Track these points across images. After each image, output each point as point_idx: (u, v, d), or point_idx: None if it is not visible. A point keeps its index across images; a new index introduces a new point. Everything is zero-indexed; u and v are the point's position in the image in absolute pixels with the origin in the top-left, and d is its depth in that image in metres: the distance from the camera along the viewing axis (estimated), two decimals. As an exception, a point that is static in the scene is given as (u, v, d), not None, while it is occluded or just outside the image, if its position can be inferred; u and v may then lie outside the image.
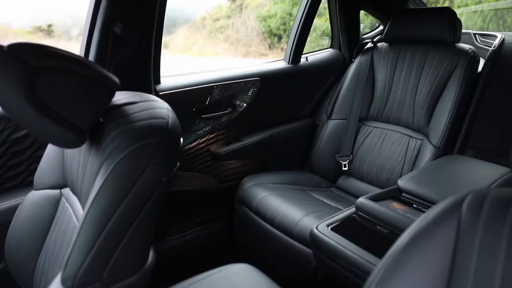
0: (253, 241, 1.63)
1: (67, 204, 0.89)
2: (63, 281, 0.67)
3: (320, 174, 1.88)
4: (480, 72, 1.65)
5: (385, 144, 1.73)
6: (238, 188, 1.73)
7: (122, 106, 0.76)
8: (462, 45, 1.64)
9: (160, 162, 0.69)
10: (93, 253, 0.66)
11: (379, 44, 1.87)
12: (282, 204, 1.52)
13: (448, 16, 1.61)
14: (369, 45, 1.90)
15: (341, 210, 1.53)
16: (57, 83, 0.65)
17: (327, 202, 1.63)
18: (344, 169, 1.82)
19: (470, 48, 1.61)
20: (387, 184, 1.65)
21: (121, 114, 0.73)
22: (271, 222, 1.51)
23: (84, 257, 0.66)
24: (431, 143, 1.58)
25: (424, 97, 1.66)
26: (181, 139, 0.79)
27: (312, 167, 1.90)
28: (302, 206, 1.51)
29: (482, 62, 1.69)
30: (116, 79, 0.73)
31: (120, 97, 0.82)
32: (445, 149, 1.56)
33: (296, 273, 1.41)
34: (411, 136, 1.68)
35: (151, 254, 0.78)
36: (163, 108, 0.78)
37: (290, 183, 1.76)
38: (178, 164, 0.78)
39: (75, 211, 0.84)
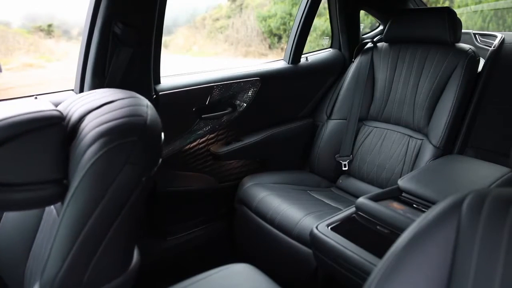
0: (253, 241, 1.63)
1: (52, 206, 0.88)
2: (41, 287, 0.65)
3: (320, 174, 1.88)
4: (480, 72, 1.65)
5: (385, 144, 1.73)
6: (238, 188, 1.72)
7: (100, 107, 0.74)
8: (462, 45, 1.64)
9: (138, 162, 0.67)
10: (71, 257, 0.64)
11: (379, 44, 1.86)
12: (282, 204, 1.52)
13: (448, 16, 1.61)
14: (369, 45, 1.90)
15: (341, 210, 1.53)
16: (5, 157, 0.63)
17: (327, 202, 1.63)
18: (344, 169, 1.82)
19: (470, 48, 1.61)
20: (387, 184, 1.65)
21: (98, 114, 0.71)
22: (271, 222, 1.51)
23: (61, 261, 0.64)
24: (431, 143, 1.58)
25: (424, 97, 1.66)
26: (162, 136, 0.77)
27: (312, 167, 1.90)
28: (302, 206, 1.51)
29: (482, 62, 1.69)
30: (57, 111, 0.71)
31: (101, 95, 0.80)
32: (445, 149, 1.56)
33: (296, 273, 1.41)
34: (411, 136, 1.68)
35: (135, 255, 0.75)
36: (141, 105, 0.75)
37: (290, 183, 1.76)
38: (160, 161, 0.75)
39: (59, 213, 0.83)
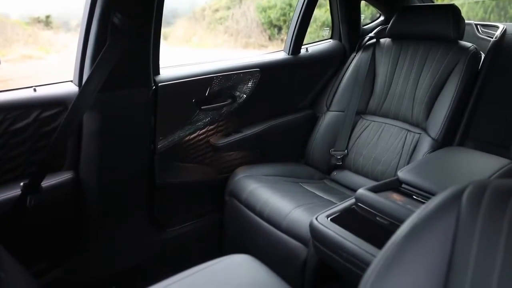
0: (243, 234, 1.61)
1: None
2: None
3: (314, 166, 1.87)
4: (481, 63, 1.65)
5: (383, 137, 1.73)
6: (229, 179, 1.71)
7: None
8: (465, 42, 1.66)
9: None
10: None
11: (381, 40, 1.87)
12: (272, 196, 1.51)
13: (453, 13, 1.62)
14: (372, 40, 1.89)
15: (332, 202, 1.52)
16: None
17: (319, 194, 1.62)
18: (337, 163, 1.80)
19: (472, 45, 1.63)
20: (382, 177, 1.64)
21: None
22: (260, 214, 1.50)
23: None
24: (429, 136, 1.58)
25: (425, 92, 1.65)
26: None
27: (307, 159, 1.90)
28: (293, 198, 1.50)
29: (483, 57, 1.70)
30: None
31: None
32: (443, 142, 1.56)
33: (284, 267, 1.40)
34: (409, 130, 1.67)
35: None
36: None
37: (282, 175, 1.75)
38: None
39: None
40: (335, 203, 1.48)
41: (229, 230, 1.72)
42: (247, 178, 1.66)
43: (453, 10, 1.63)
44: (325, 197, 1.60)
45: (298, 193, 1.59)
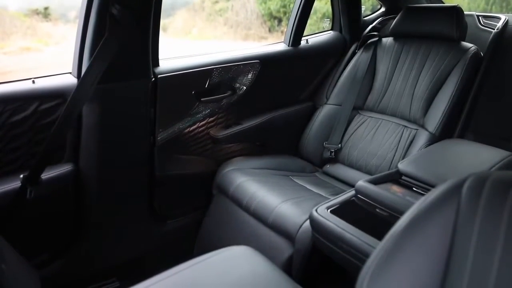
0: (229, 229, 1.58)
1: None
2: None
3: (307, 158, 1.86)
4: (483, 55, 1.65)
5: (379, 132, 1.72)
6: (217, 173, 1.69)
7: None
8: (466, 43, 1.66)
9: None
10: None
11: (384, 38, 1.86)
12: (259, 190, 1.49)
13: (456, 14, 1.63)
14: (374, 38, 1.89)
15: (322, 196, 1.51)
16: None
17: (309, 187, 1.60)
18: (330, 156, 1.79)
19: (473, 46, 1.63)
20: (376, 171, 1.63)
21: None
22: (247, 209, 1.48)
23: None
24: (427, 130, 1.58)
25: (424, 89, 1.65)
26: None
27: (300, 151, 1.89)
28: (281, 192, 1.47)
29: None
30: None
31: None
32: (441, 136, 1.55)
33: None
34: (406, 126, 1.67)
35: None
36: None
37: (272, 168, 1.73)
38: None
39: None
40: (325, 197, 1.47)
41: (215, 224, 1.69)
42: (235, 171, 1.63)
43: (457, 12, 1.64)
44: (315, 190, 1.57)
45: (286, 186, 1.56)
